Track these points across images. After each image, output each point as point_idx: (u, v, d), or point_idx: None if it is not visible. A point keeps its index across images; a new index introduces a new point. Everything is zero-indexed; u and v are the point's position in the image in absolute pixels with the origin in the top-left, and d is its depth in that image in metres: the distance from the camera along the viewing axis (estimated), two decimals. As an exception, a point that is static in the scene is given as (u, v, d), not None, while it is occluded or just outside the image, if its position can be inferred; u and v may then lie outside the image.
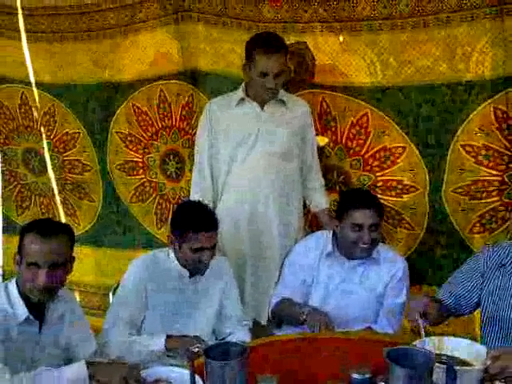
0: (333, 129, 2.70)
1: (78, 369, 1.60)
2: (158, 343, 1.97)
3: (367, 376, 1.48)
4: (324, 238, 2.38)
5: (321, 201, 2.66)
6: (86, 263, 3.32)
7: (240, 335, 2.17)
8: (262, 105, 2.50)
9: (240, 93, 2.52)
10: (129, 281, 2.12)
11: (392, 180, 2.64)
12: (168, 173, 3.17)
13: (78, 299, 3.20)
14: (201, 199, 2.31)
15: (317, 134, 2.66)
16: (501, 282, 1.93)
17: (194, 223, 2.04)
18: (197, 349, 1.59)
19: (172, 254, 2.14)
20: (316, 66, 2.64)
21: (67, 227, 1.85)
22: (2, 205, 3.75)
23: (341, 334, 2.02)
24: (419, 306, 1.81)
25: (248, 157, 2.50)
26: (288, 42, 2.50)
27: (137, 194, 3.24)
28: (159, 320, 2.13)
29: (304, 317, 2.12)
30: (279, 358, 1.81)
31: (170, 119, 3.08)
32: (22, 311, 1.72)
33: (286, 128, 2.51)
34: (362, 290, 2.29)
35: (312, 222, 2.84)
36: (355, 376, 1.48)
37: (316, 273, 2.34)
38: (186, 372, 1.59)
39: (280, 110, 2.51)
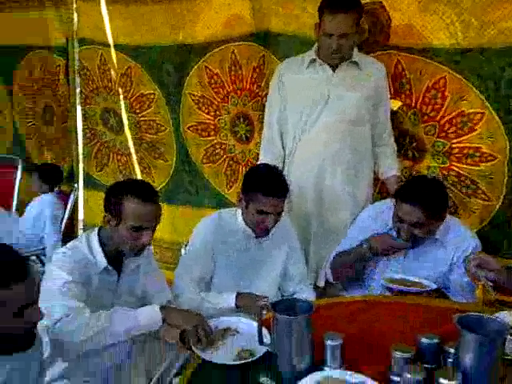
0: (407, 92, 2.61)
1: (152, 311, 1.71)
2: (228, 300, 2.06)
3: (435, 341, 1.47)
4: (389, 208, 2.24)
5: (391, 168, 2.59)
6: (162, 220, 3.45)
7: (305, 294, 2.22)
8: (333, 67, 2.46)
9: (311, 54, 2.48)
10: (198, 239, 2.20)
11: (469, 147, 2.54)
12: (238, 135, 3.21)
13: (153, 253, 3.40)
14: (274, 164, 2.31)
15: (390, 98, 2.59)
16: None
17: (265, 186, 2.07)
18: (265, 305, 1.63)
19: (239, 214, 2.19)
20: (392, 27, 2.55)
21: (157, 194, 1.93)
22: (83, 161, 3.95)
23: (409, 298, 2.01)
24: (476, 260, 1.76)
25: (316, 123, 2.48)
26: (363, 2, 2.43)
27: (208, 154, 3.32)
28: (226, 278, 2.21)
29: (366, 245, 2.11)
30: (344, 319, 1.84)
31: (241, 82, 3.09)
32: (102, 261, 1.84)
33: (359, 92, 2.46)
34: (422, 271, 2.17)
35: (382, 190, 2.79)
36: (423, 340, 1.48)
37: None
38: (254, 323, 1.66)
39: (352, 72, 2.46)
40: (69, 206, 3.80)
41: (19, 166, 4.19)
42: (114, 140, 3.74)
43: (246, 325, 1.74)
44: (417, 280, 2.09)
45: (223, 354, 1.61)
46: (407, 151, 2.71)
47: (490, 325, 1.36)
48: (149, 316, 1.71)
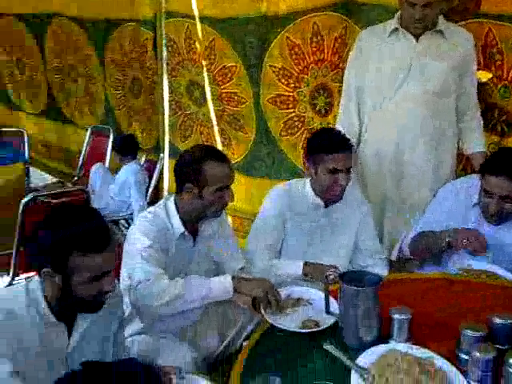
0: (498, 63, 2.45)
1: (224, 281, 1.77)
2: (296, 268, 2.09)
3: (509, 321, 1.43)
4: (474, 185, 2.17)
5: (477, 143, 2.47)
6: (239, 190, 3.54)
7: (377, 269, 2.19)
8: (416, 37, 2.36)
9: (394, 23, 2.40)
10: (269, 208, 2.23)
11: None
12: (317, 108, 3.18)
13: (230, 222, 3.50)
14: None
15: (478, 69, 2.45)
16: None
17: (327, 145, 2.07)
18: (332, 275, 1.65)
19: (308, 185, 2.20)
20: (483, -7, 2.40)
21: None
22: (168, 132, 4.11)
23: (485, 278, 1.94)
24: None
25: (397, 94, 2.40)
26: (454, -34, 2.30)
27: (286, 127, 3.33)
28: (295, 249, 2.23)
29: (448, 238, 2.04)
30: (417, 294, 1.82)
31: (322, 53, 3.05)
32: (179, 227, 1.92)
33: (443, 62, 2.35)
34: (507, 247, 2.07)
35: (466, 166, 2.67)
36: (496, 320, 1.44)
37: (460, 221, 2.17)
38: (322, 294, 1.68)
39: (437, 42, 2.35)
40: (155, 175, 3.99)
41: (111, 136, 4.46)
42: (198, 112, 3.85)
43: (318, 297, 1.77)
44: (499, 272, 1.98)
45: (291, 322, 1.65)
46: (495, 125, 2.56)
47: None
48: (221, 287, 1.77)
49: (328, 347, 1.44)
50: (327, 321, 1.63)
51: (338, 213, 2.23)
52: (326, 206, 2.20)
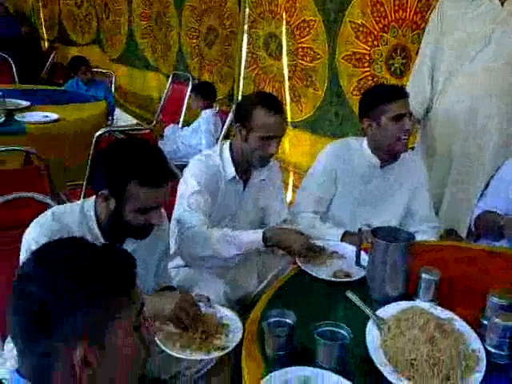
0: None
1: (256, 241, 1.80)
2: (335, 235, 2.07)
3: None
4: None
5: None
6: (303, 148, 3.56)
7: (426, 236, 2.14)
8: (502, 1, 2.20)
9: None
10: (323, 161, 2.21)
11: None
12: (392, 68, 3.09)
13: (291, 178, 3.54)
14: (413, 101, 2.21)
15: None
16: None
17: (386, 94, 2.02)
18: (365, 228, 1.64)
19: (365, 143, 2.15)
20: None
21: (282, 105, 2.01)
22: (244, 82, 4.16)
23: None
24: None
25: (473, 63, 2.30)
26: None
27: (359, 86, 3.26)
28: (345, 208, 2.20)
29: (502, 222, 1.98)
30: (450, 260, 1.79)
31: (405, 11, 2.93)
32: (231, 170, 1.99)
33: None
34: None
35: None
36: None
37: None
38: (355, 249, 1.70)
39: None
40: (226, 125, 4.07)
41: (190, 83, 4.58)
42: (272, 66, 3.86)
43: (351, 252, 1.78)
44: None
45: (323, 271, 1.69)
46: None
47: None
48: (253, 244, 1.81)
49: (350, 295, 1.46)
50: (358, 274, 1.65)
51: (393, 175, 2.17)
52: (382, 166, 2.16)
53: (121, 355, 0.88)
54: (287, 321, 1.33)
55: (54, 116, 3.50)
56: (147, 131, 3.43)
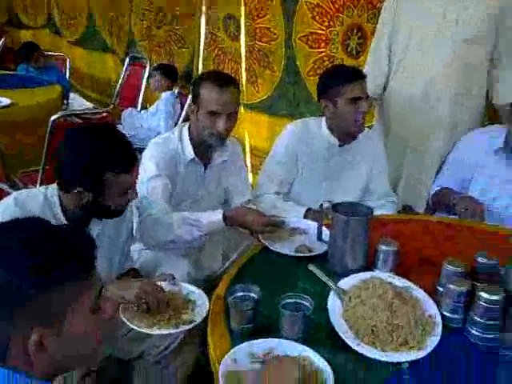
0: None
1: (216, 221, 1.80)
2: (298, 213, 2.10)
3: (492, 262, 1.44)
4: (497, 132, 2.17)
5: (508, 91, 2.36)
6: (261, 130, 3.57)
7: (385, 210, 2.21)
8: None
9: None
10: (282, 143, 2.23)
11: None
12: (349, 49, 3.12)
13: (249, 160, 3.54)
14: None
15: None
16: None
17: (343, 76, 2.05)
18: (326, 204, 1.68)
19: (324, 123, 2.18)
20: None
21: (236, 81, 2.00)
22: (203, 63, 4.13)
23: (483, 225, 1.95)
24: None
25: (427, 42, 2.33)
26: None
27: (315, 67, 3.29)
28: (307, 187, 2.23)
29: (454, 201, 2.06)
30: (407, 232, 1.86)
31: (360, -10, 2.97)
32: (189, 152, 1.98)
33: (481, 7, 2.24)
34: None
35: (493, 118, 2.60)
36: (480, 259, 1.46)
37: (479, 167, 2.19)
38: (316, 224, 1.74)
39: None
40: (186, 107, 4.02)
41: (147, 66, 4.50)
42: (231, 47, 3.84)
43: (313, 227, 1.82)
44: None
45: (285, 247, 1.72)
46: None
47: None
48: (214, 226, 1.81)
49: (312, 268, 1.50)
50: (320, 248, 1.69)
51: (351, 153, 2.22)
52: (341, 145, 2.20)
53: (79, 339, 0.87)
54: (252, 295, 1.35)
55: (7, 101, 3.40)
56: (104, 115, 3.37)
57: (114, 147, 1.48)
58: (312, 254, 1.66)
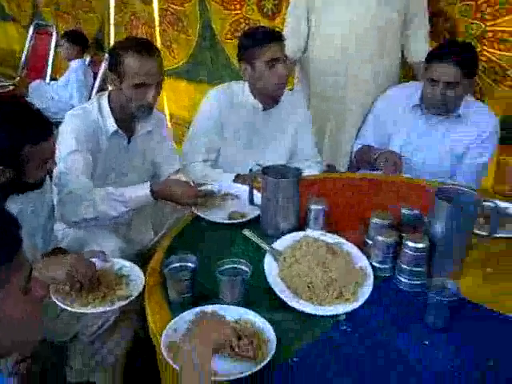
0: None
1: (143, 195, 1.75)
2: (228, 178, 2.10)
3: (415, 212, 1.52)
4: (413, 89, 2.28)
5: (421, 50, 2.46)
6: (180, 97, 3.48)
7: (311, 170, 2.24)
8: None
9: None
10: (206, 110, 2.19)
11: (503, 31, 2.38)
12: (264, 10, 3.08)
13: (172, 130, 3.46)
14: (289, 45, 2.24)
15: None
16: None
17: (260, 37, 2.03)
18: (255, 168, 1.68)
19: (247, 87, 2.16)
20: None
21: (158, 49, 1.90)
22: (114, 29, 3.93)
23: (404, 178, 2.05)
24: None
25: (341, 1, 2.35)
26: None
27: (232, 30, 3.23)
28: (233, 153, 2.22)
29: (375, 156, 2.14)
30: (334, 190, 1.92)
31: None
32: (112, 124, 1.88)
33: None
34: (441, 147, 2.22)
35: (408, 73, 2.69)
36: (404, 211, 1.53)
37: (398, 124, 2.29)
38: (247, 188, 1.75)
39: None
40: (99, 75, 3.84)
41: (54, 33, 4.23)
42: (144, 11, 3.68)
43: (244, 191, 1.82)
44: None
45: (217, 214, 1.71)
46: (440, 34, 2.56)
47: (465, 197, 1.38)
48: (142, 201, 1.76)
49: (246, 232, 1.51)
50: (252, 212, 1.70)
51: (276, 116, 2.22)
52: (265, 109, 2.19)
53: (12, 323, 0.84)
54: (189, 265, 1.34)
55: None
56: (11, 88, 3.14)
57: (27, 118, 1.41)
58: (245, 219, 1.67)
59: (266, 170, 1.60)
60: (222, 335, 1.09)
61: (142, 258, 1.97)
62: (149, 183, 1.76)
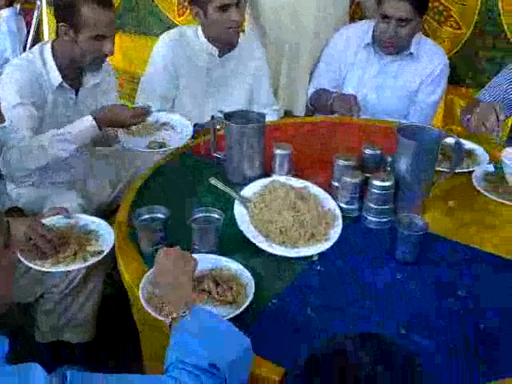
0: None
1: (87, 127, 1.67)
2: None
3: (378, 152, 1.55)
4: (365, 27, 2.27)
5: None
6: (115, 50, 3.29)
7: (269, 118, 2.21)
8: None
9: None
10: (158, 58, 2.11)
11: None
12: None
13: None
14: None
15: None
16: None
17: None
18: (217, 115, 1.66)
19: (200, 31, 2.08)
20: None
21: None
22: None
23: (363, 120, 2.07)
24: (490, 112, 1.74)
25: None
26: None
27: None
28: (189, 100, 2.16)
29: (331, 100, 2.15)
30: (298, 135, 1.92)
31: None
32: (56, 77, 1.76)
33: None
34: (395, 86, 2.25)
35: (355, 11, 2.67)
36: (367, 151, 1.56)
37: (351, 63, 2.29)
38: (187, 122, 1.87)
39: None
40: (33, 24, 3.59)
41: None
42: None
43: (183, 124, 1.86)
44: None
45: (141, 141, 1.78)
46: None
47: (427, 134, 1.42)
48: (88, 133, 1.68)
49: (213, 181, 1.49)
50: (174, 143, 1.77)
51: (232, 63, 2.16)
52: (220, 56, 2.13)
53: None
54: (159, 216, 1.32)
55: None
56: None
57: None
58: (164, 149, 1.72)
59: (228, 117, 1.58)
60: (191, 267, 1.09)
61: (101, 213, 1.94)
62: (89, 115, 1.68)
